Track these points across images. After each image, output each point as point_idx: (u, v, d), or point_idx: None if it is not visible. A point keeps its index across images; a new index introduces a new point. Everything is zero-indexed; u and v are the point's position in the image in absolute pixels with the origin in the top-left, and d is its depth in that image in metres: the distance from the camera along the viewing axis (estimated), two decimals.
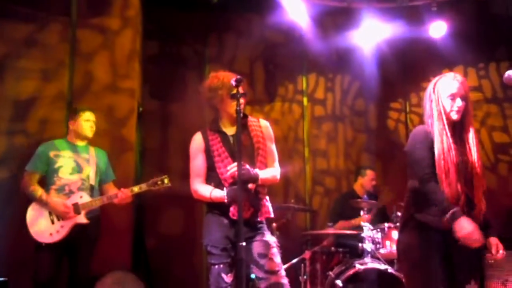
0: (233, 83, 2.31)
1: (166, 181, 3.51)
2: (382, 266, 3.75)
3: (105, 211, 3.72)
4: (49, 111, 4.29)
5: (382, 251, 4.00)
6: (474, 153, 2.38)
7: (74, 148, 3.61)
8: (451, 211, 2.22)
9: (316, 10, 5.14)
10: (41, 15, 4.41)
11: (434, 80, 2.50)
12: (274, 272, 2.51)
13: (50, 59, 4.38)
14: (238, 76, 2.32)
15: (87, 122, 3.64)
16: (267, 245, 2.57)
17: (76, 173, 3.52)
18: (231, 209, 2.53)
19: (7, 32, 4.33)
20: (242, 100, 2.35)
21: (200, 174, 2.68)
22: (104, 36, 4.51)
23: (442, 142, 2.33)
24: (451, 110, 2.40)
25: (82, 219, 3.43)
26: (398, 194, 5.25)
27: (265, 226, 2.68)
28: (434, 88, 2.45)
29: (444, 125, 2.37)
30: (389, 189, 5.38)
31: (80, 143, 3.65)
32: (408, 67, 5.80)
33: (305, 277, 4.09)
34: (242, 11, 5.48)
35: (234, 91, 2.33)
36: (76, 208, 3.42)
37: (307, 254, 4.12)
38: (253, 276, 2.61)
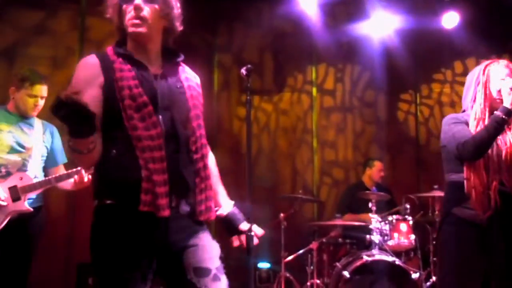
0: (243, 73, 1.85)
1: None
2: (390, 258, 3.74)
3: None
4: None
5: (390, 243, 3.99)
6: (511, 142, 2.25)
7: (13, 121, 2.89)
8: (498, 112, 2.16)
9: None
10: (51, 2, 4.41)
11: (485, 63, 2.37)
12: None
13: (60, 46, 4.39)
14: (248, 66, 1.86)
15: (31, 97, 2.88)
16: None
17: (15, 152, 2.82)
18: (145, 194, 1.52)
19: (17, 19, 4.34)
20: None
21: None
22: (112, 24, 4.50)
23: (477, 126, 2.23)
24: (497, 97, 2.27)
25: (22, 206, 2.75)
26: (406, 186, 5.23)
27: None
28: (484, 70, 2.33)
29: (485, 109, 2.26)
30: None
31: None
32: (419, 58, 5.73)
33: (312, 267, 4.09)
34: (251, 0, 5.44)
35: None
36: (14, 193, 2.73)
37: (314, 245, 4.11)
38: None
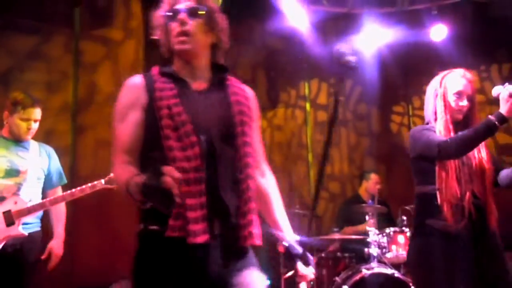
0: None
1: (103, 181, 2.90)
2: (389, 271, 3.74)
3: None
4: (54, 122, 4.32)
5: (388, 255, 4.00)
6: (480, 153, 2.25)
7: (8, 145, 2.89)
8: (491, 117, 2.09)
9: (317, 15, 5.17)
10: (45, 27, 4.45)
11: (441, 74, 2.37)
12: None
13: (54, 70, 4.42)
14: None
15: (23, 121, 2.87)
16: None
17: (9, 176, 2.80)
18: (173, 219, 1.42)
19: (12, 44, 4.38)
20: None
21: (130, 147, 1.53)
22: (107, 47, 4.56)
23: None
24: (456, 109, 2.28)
25: (16, 230, 2.70)
26: (402, 198, 5.25)
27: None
28: (441, 82, 2.33)
29: (447, 121, 2.25)
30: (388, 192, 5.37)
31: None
32: (410, 71, 5.82)
33: (311, 283, 4.08)
34: (243, 17, 5.51)
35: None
36: (8, 217, 2.70)
37: (313, 260, 4.10)
38: None
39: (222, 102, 1.59)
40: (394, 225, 4.25)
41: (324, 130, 5.81)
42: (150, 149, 1.51)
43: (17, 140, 2.93)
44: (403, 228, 4.10)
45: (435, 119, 2.30)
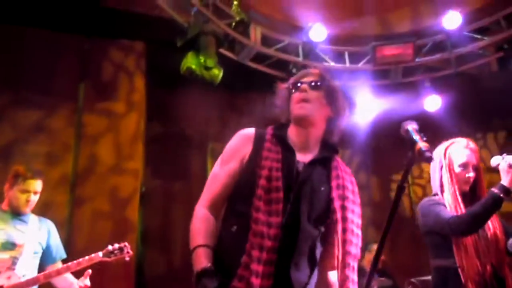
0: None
1: (125, 250, 2.83)
2: None
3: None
4: (52, 194, 4.30)
5: None
6: (493, 224, 2.20)
7: (6, 217, 2.83)
8: (496, 190, 2.05)
9: None
10: (49, 102, 4.58)
11: (444, 145, 2.34)
12: None
13: (56, 143, 4.48)
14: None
15: (23, 193, 2.83)
16: None
17: (5, 249, 2.72)
18: None
19: (17, 118, 4.47)
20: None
21: (216, 200, 1.59)
22: (109, 119, 4.66)
23: (456, 211, 2.15)
24: (463, 180, 2.24)
25: None
26: (407, 268, 5.09)
27: None
28: (445, 154, 2.30)
29: (456, 194, 2.20)
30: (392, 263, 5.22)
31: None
32: (406, 140, 5.89)
33: None
34: (244, 90, 5.68)
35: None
36: None
37: None
38: None
39: (322, 180, 1.58)
40: None
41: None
42: (239, 202, 1.53)
43: (16, 213, 2.87)
44: None
45: (442, 191, 2.26)
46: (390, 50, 5.12)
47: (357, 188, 1.68)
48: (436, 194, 2.34)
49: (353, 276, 1.51)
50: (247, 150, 1.60)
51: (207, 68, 4.33)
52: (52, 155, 4.44)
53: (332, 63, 5.27)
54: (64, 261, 2.97)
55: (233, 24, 4.77)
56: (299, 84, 1.67)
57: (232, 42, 4.79)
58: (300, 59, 5.19)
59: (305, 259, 1.49)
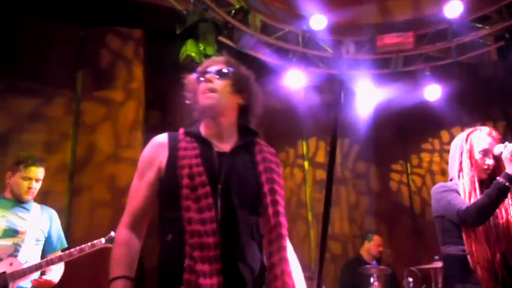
0: None
1: (103, 240, 2.81)
2: None
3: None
4: (51, 183, 4.28)
5: None
6: (507, 212, 2.17)
7: (8, 205, 2.85)
8: (500, 179, 2.05)
9: (313, 77, 5.31)
10: (47, 90, 4.54)
11: (467, 131, 2.34)
12: None
13: (54, 131, 4.45)
14: None
15: (25, 180, 2.84)
16: None
17: (7, 236, 2.73)
18: None
19: (13, 106, 4.44)
20: None
21: (139, 212, 1.55)
22: (107, 107, 4.63)
23: (470, 199, 2.15)
24: (482, 167, 2.23)
25: None
26: (406, 257, 5.12)
27: None
28: (467, 139, 2.29)
29: (474, 179, 2.19)
30: (390, 252, 5.24)
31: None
32: (406, 130, 5.88)
33: None
34: None
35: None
36: (2, 280, 2.63)
37: None
38: None
39: (247, 166, 1.55)
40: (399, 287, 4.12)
41: (324, 189, 5.76)
42: (168, 209, 1.49)
43: (18, 201, 2.88)
44: None
45: (459, 177, 2.25)
46: (390, 39, 5.08)
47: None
48: (452, 179, 2.33)
49: (283, 255, 1.53)
50: (163, 157, 1.54)
51: (207, 56, 4.30)
52: (50, 144, 4.42)
53: (332, 52, 5.23)
54: (65, 250, 2.96)
55: (233, 11, 4.73)
56: (205, 74, 1.62)
57: (231, 29, 4.75)
58: (300, 47, 5.15)
59: (250, 248, 1.46)
